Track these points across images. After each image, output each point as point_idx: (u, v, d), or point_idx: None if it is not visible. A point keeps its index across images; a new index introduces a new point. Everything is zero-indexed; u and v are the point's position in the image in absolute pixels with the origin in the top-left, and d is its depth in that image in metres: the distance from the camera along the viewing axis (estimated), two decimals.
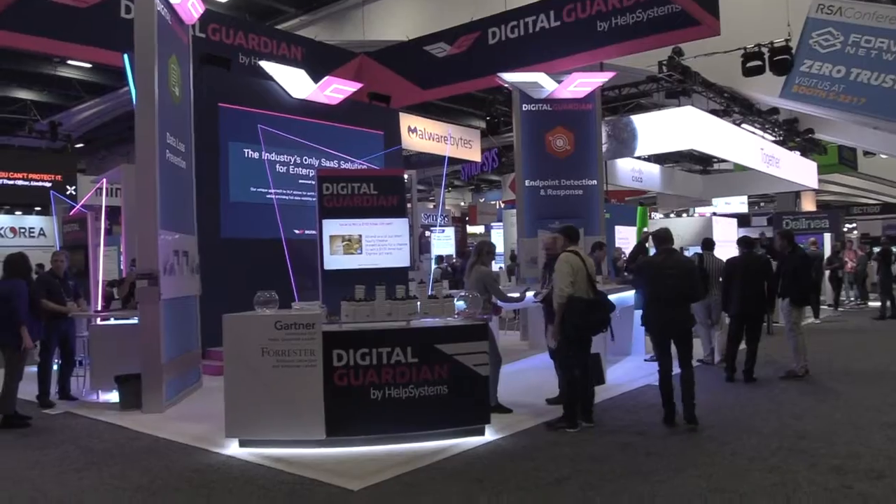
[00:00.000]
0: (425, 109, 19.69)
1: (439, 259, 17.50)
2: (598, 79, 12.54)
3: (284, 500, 4.73)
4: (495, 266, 12.17)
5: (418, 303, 6.19)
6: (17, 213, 21.60)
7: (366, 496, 4.79)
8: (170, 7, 8.46)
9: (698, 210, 29.51)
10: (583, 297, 6.30)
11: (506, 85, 12.74)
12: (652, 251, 7.43)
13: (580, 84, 12.29)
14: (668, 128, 16.57)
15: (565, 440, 6.02)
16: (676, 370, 6.52)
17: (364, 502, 4.69)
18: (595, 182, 12.49)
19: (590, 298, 6.35)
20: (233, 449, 5.89)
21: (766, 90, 16.00)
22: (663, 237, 6.81)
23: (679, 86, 15.68)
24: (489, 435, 6.09)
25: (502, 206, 27.72)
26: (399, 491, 4.87)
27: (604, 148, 14.72)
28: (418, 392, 5.85)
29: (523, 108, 12.41)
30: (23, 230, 19.61)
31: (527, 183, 12.36)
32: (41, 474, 5.50)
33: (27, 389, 7.74)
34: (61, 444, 6.39)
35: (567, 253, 6.48)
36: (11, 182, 19.95)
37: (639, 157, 21.24)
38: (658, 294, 6.53)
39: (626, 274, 10.73)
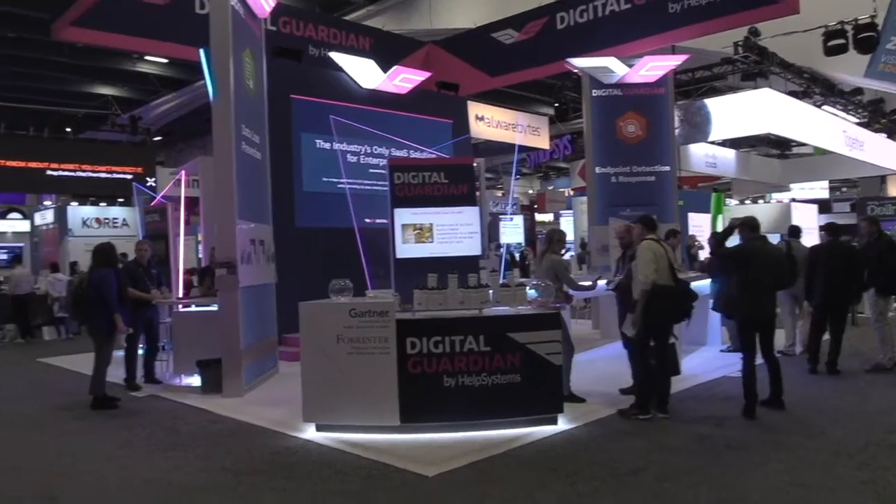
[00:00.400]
0: (492, 97, 19.56)
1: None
2: (670, 62, 12.23)
3: (361, 485, 4.81)
4: (566, 254, 12.06)
5: (490, 291, 6.18)
6: (102, 204, 22.50)
7: (440, 482, 4.83)
8: (243, 2, 8.64)
9: (775, 196, 28.50)
10: (666, 285, 6.21)
11: (575, 70, 12.55)
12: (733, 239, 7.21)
13: (652, 68, 12.01)
14: (744, 111, 16.04)
15: (640, 430, 5.94)
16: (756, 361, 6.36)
17: (439, 488, 4.73)
18: (668, 168, 12.22)
19: (674, 287, 6.27)
20: (310, 433, 6.03)
21: (849, 70, 15.26)
22: (754, 224, 6.64)
23: (756, 67, 15.13)
24: (562, 424, 6.06)
25: (572, 193, 27.37)
26: (473, 478, 4.89)
27: (676, 133, 14.35)
28: (491, 380, 5.86)
29: (593, 94, 12.21)
30: (107, 220, 20.44)
31: (597, 170, 12.17)
32: (131, 454, 5.75)
33: (115, 373, 8.10)
34: (148, 426, 6.67)
35: (648, 241, 6.38)
36: (96, 175, 20.77)
37: (713, 142, 20.64)
38: (751, 281, 6.35)
39: (707, 260, 10.43)
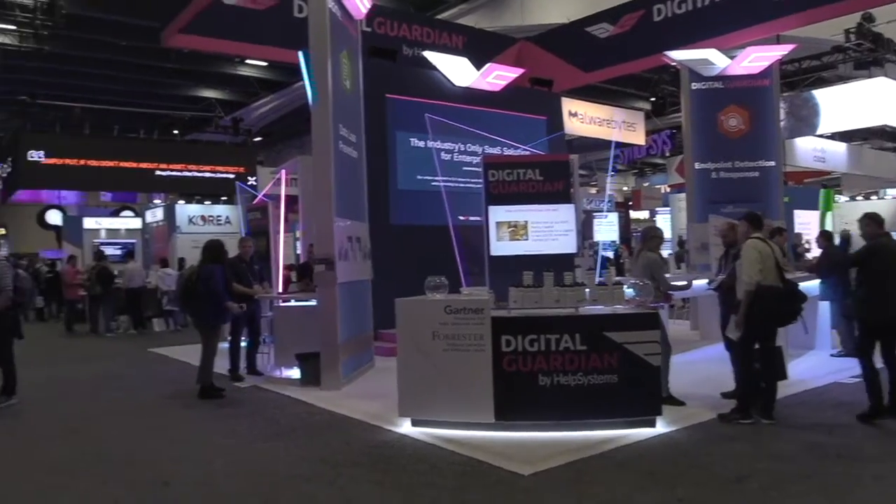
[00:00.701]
0: (586, 93, 19.28)
1: None
2: (775, 52, 11.70)
3: (456, 481, 4.84)
4: (665, 252, 11.73)
5: (587, 289, 6.09)
6: (206, 202, 23.54)
7: (536, 481, 4.80)
8: (340, 4, 8.83)
9: (890, 192, 26.83)
10: (773, 285, 5.95)
11: (673, 63, 12.21)
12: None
13: (755, 59, 11.52)
14: (856, 102, 15.21)
15: (744, 436, 5.72)
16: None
17: (535, 487, 4.70)
18: (773, 163, 11.70)
19: (782, 287, 6.01)
20: (405, 427, 6.11)
21: None
22: (879, 220, 6.28)
23: (869, 55, 14.33)
24: (661, 427, 5.90)
25: (668, 190, 26.66)
26: (569, 478, 4.83)
27: (782, 126, 13.73)
28: (587, 380, 5.77)
29: (692, 87, 11.84)
30: (211, 218, 21.34)
31: (696, 165, 11.80)
32: (236, 442, 5.99)
33: (220, 364, 8.45)
34: (251, 415, 6.93)
35: (754, 239, 6.13)
36: (201, 174, 21.75)
37: (821, 136, 19.63)
38: (878, 281, 5.99)
39: (815, 259, 9.92)
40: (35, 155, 19.07)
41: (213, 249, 8.14)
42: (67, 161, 19.44)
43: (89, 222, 23.37)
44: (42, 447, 6.01)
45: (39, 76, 18.64)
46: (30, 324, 15.00)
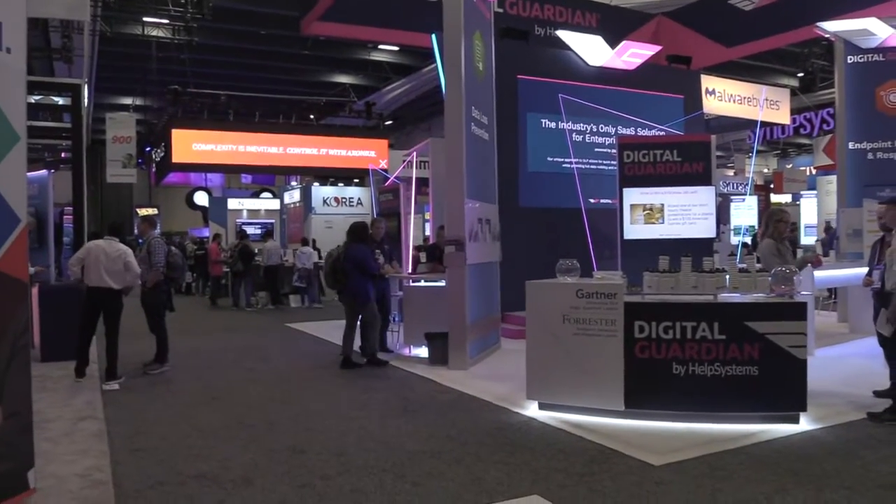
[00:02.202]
0: (723, 69, 18.32)
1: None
2: None
3: (585, 467, 4.76)
4: (811, 239, 11.05)
5: (727, 276, 5.81)
6: (340, 184, 24.39)
7: (667, 472, 4.64)
8: None
9: None
10: None
11: (826, 35, 11.36)
12: None
13: None
14: None
15: None
16: None
17: (666, 478, 4.55)
18: None
19: None
20: (532, 410, 6.09)
21: None
22: None
23: None
24: (804, 424, 5.55)
25: (814, 172, 24.97)
26: (703, 472, 4.64)
27: None
28: (724, 371, 5.51)
29: (848, 61, 10.98)
30: (344, 200, 22.07)
31: (850, 145, 10.97)
32: (367, 415, 6.19)
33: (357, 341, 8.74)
34: (382, 391, 7.14)
35: None
36: (336, 153, 22.55)
37: None
38: None
39: None
40: (185, 140, 20.44)
41: (358, 230, 8.64)
42: (214, 145, 20.73)
43: (233, 203, 24.84)
44: (190, 412, 6.46)
45: (189, 66, 19.89)
46: (178, 297, 16.10)
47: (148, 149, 27.03)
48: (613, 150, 10.46)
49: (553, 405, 6.01)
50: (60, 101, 16.29)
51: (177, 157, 20.44)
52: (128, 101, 25.29)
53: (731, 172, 26.78)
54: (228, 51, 19.93)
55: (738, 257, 7.23)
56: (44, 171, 10.57)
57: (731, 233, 15.42)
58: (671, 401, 5.66)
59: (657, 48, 12.58)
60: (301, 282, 15.97)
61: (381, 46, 20.11)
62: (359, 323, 8.83)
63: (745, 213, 17.05)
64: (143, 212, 25.68)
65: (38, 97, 16.18)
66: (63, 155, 17.94)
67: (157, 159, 25.46)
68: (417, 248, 11.22)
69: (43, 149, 17.68)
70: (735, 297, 5.81)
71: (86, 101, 12.77)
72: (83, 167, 11.05)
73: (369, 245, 9.13)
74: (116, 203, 29.06)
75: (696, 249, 6.58)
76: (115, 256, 7.63)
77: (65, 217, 14.58)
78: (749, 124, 18.96)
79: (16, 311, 3.85)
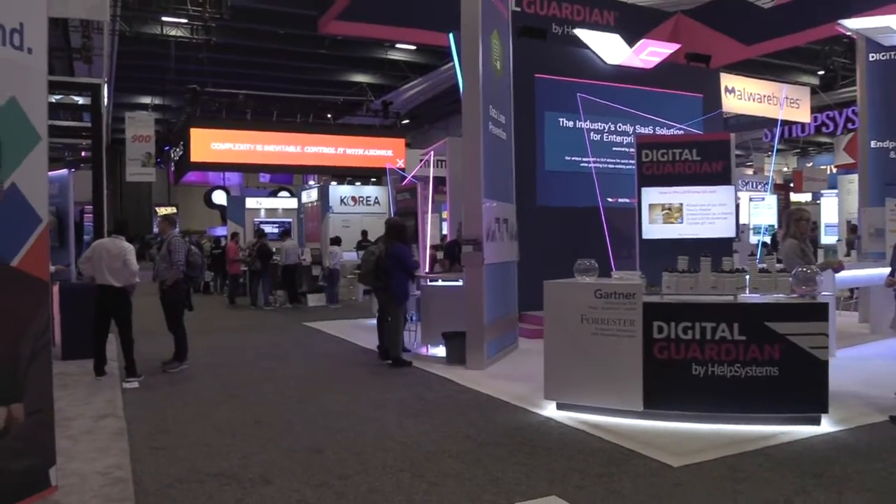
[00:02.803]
0: (743, 67, 18.17)
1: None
2: None
3: (603, 468, 4.74)
4: (831, 238, 10.94)
5: (747, 276, 5.75)
6: (357, 183, 24.45)
7: (687, 474, 4.61)
8: None
9: None
10: None
11: (848, 33, 11.24)
12: None
13: None
14: None
15: None
16: None
17: (686, 480, 4.51)
18: None
19: None
20: (550, 410, 6.07)
21: None
22: None
23: None
24: (826, 426, 5.49)
25: (835, 171, 24.70)
26: (723, 474, 4.60)
27: None
28: (745, 372, 5.46)
29: (870, 58, 10.86)
30: (361, 198, 22.12)
31: (872, 144, 10.85)
32: (384, 415, 6.19)
33: (370, 339, 8.75)
34: (399, 390, 7.14)
35: None
36: (353, 152, 22.57)
37: None
38: None
39: None
40: (203, 139, 20.55)
41: (397, 229, 8.63)
42: (232, 144, 20.83)
43: (251, 202, 24.92)
44: (209, 410, 6.49)
45: (207, 66, 20.02)
46: (196, 296, 16.20)
47: (167, 148, 27.22)
48: (632, 150, 10.39)
49: (571, 405, 5.98)
50: (80, 100, 16.47)
51: (195, 156, 20.55)
52: (147, 100, 25.53)
53: (750, 171, 26.58)
54: (246, 50, 20.06)
55: (759, 257, 7.17)
56: (64, 171, 10.67)
57: (751, 232, 15.30)
58: (690, 401, 5.61)
59: (676, 46, 12.49)
60: (326, 281, 16.02)
61: (398, 45, 20.14)
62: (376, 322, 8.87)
63: (764, 212, 16.90)
64: (162, 210, 25.93)
65: (58, 97, 16.36)
66: (83, 154, 18.14)
67: (176, 158, 25.63)
68: (434, 248, 11.21)
69: (63, 148, 17.89)
70: (755, 298, 5.76)
71: (105, 100, 12.88)
72: (103, 166, 11.16)
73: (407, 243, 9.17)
74: (136, 202, 29.37)
75: (716, 249, 6.53)
76: (115, 254, 7.68)
77: (85, 216, 14.73)
78: (767, 123, 18.78)
79: (37, 309, 3.89)
